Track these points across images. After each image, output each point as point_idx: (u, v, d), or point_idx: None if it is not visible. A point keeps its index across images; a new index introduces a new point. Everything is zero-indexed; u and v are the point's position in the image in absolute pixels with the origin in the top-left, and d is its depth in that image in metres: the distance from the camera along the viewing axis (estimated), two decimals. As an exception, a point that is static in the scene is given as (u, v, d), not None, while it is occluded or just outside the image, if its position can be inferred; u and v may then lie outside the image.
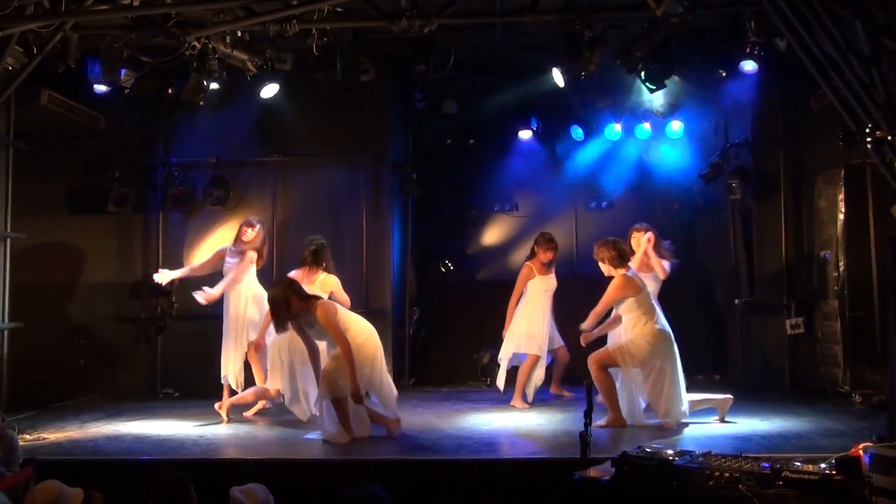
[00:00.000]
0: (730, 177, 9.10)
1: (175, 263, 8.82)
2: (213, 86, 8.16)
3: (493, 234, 10.39)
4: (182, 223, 9.45)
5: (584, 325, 7.09)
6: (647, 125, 9.65)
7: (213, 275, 7.96)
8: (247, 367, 7.75)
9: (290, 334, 6.84)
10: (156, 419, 7.41)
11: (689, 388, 7.76)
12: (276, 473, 5.59)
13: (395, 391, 6.78)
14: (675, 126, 9.54)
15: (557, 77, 8.44)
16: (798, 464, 4.05)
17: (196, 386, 8.69)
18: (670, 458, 4.27)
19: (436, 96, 9.72)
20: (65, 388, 8.74)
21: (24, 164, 8.52)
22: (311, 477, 5.69)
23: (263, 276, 9.39)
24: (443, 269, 10.33)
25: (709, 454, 4.38)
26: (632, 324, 6.89)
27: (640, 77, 8.01)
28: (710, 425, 6.86)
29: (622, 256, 7.04)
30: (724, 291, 9.59)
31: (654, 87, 8.13)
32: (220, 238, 9.32)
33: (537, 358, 7.97)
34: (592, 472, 4.46)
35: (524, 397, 8.00)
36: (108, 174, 9.20)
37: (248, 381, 7.76)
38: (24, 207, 8.52)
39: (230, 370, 7.66)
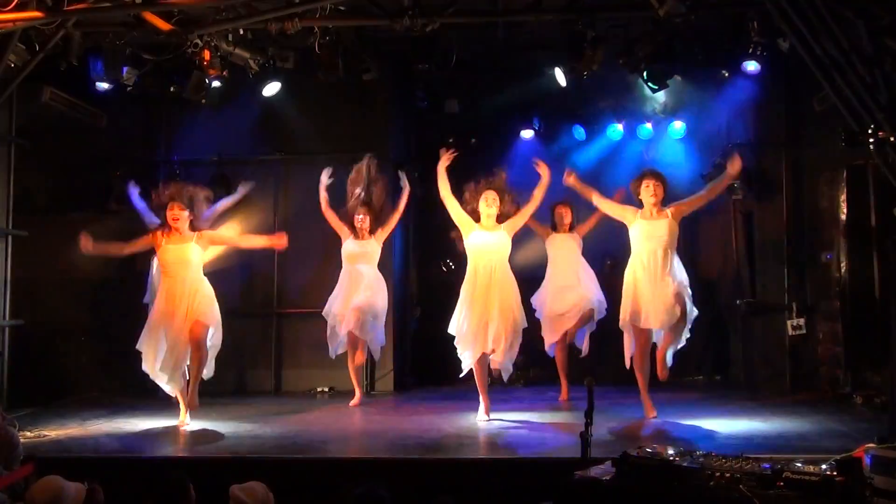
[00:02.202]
0: (732, 177, 9.08)
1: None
2: (216, 84, 8.16)
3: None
4: (183, 221, 9.44)
5: None
6: (649, 125, 9.65)
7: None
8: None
9: None
10: (156, 417, 7.41)
11: (691, 389, 7.80)
12: (277, 472, 5.59)
13: None
14: (678, 126, 9.54)
15: (559, 76, 8.43)
16: (799, 465, 4.03)
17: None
18: (671, 458, 4.26)
19: (438, 95, 9.72)
20: (66, 386, 8.75)
21: (26, 161, 8.52)
22: (312, 475, 5.68)
23: (265, 274, 9.43)
24: (444, 269, 10.32)
25: (710, 454, 4.37)
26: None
27: (642, 77, 8.02)
28: (711, 426, 6.86)
29: None
30: (726, 292, 9.58)
31: (656, 87, 8.15)
32: (221, 236, 9.32)
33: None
34: (593, 471, 4.45)
35: None
36: (110, 172, 9.20)
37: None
38: (26, 205, 8.52)
39: None
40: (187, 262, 7.13)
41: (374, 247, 8.18)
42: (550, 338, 8.11)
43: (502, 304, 7.06)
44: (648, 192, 7.03)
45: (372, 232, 8.18)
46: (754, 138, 9.19)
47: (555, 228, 8.27)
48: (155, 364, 7.03)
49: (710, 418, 7.10)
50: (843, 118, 6.19)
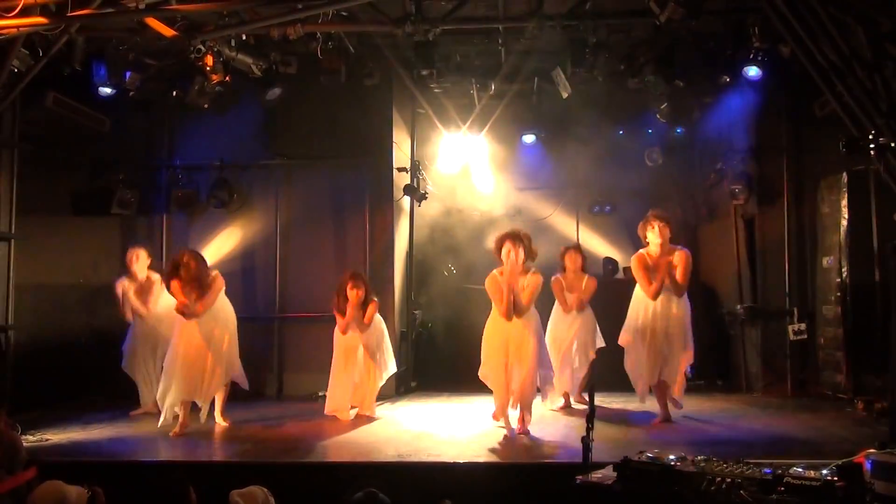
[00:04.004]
0: (733, 182, 9.10)
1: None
2: (218, 89, 8.19)
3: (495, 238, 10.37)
4: (186, 225, 9.47)
5: None
6: (650, 130, 9.66)
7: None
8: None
9: None
10: (157, 421, 7.41)
11: (691, 392, 7.76)
12: (277, 476, 5.60)
13: None
14: (679, 131, 9.54)
15: (561, 81, 8.45)
16: (800, 470, 4.03)
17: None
18: (672, 462, 4.26)
19: (438, 100, 9.74)
20: (68, 390, 8.75)
21: (29, 165, 8.54)
22: (312, 480, 5.69)
23: (267, 279, 9.45)
24: (445, 273, 10.34)
25: (710, 459, 4.37)
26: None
27: (644, 82, 8.04)
28: (712, 430, 6.86)
29: None
30: (727, 297, 9.59)
31: (657, 93, 8.16)
32: (223, 240, 9.35)
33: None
34: (594, 476, 4.46)
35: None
36: (113, 176, 9.23)
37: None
38: (29, 208, 8.54)
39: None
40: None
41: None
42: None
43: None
44: (655, 233, 7.19)
45: (365, 304, 7.74)
46: (755, 144, 9.20)
47: (563, 271, 8.25)
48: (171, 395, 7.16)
49: (711, 423, 7.11)
50: (843, 124, 6.20)
